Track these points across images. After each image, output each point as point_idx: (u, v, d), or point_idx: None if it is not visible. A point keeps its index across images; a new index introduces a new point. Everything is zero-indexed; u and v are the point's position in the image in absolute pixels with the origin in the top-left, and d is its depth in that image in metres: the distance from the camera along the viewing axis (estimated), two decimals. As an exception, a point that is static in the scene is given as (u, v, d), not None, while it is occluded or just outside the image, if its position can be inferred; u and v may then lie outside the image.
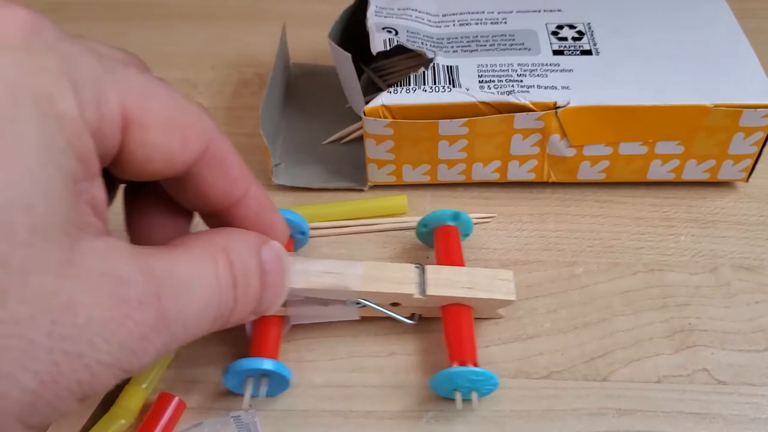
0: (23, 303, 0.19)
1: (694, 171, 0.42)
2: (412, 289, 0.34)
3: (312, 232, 0.40)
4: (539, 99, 0.39)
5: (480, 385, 0.32)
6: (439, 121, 0.39)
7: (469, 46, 0.42)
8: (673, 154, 0.41)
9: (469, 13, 0.45)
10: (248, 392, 0.32)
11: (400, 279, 0.34)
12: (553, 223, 0.41)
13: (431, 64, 0.40)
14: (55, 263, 0.20)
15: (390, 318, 0.35)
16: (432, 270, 0.34)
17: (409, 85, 0.39)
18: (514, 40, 0.42)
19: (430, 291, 0.34)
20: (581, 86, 0.39)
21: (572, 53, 0.41)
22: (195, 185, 0.27)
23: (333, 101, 0.48)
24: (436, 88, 0.39)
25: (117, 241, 0.22)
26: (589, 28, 0.43)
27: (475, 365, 0.32)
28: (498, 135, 0.40)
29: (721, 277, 0.38)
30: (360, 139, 0.41)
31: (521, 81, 0.39)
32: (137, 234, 0.29)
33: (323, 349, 0.36)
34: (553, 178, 0.42)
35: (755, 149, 0.40)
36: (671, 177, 0.42)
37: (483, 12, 0.45)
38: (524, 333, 0.36)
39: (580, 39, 0.42)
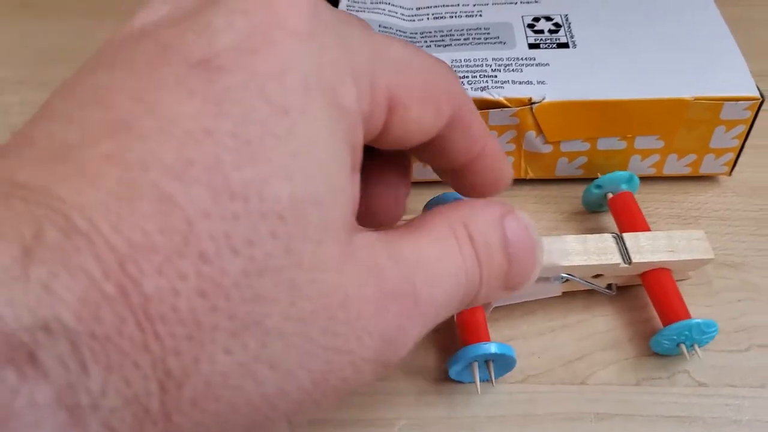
0: (309, 301, 0.19)
1: (675, 166, 0.41)
2: (617, 259, 0.34)
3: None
4: (514, 95, 0.38)
5: (701, 336, 0.33)
6: None
7: (443, 40, 0.41)
8: (654, 148, 0.40)
9: (444, 6, 0.44)
10: (477, 377, 0.33)
11: (604, 249, 0.34)
12: (535, 220, 0.40)
13: None
14: (337, 259, 0.20)
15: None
16: (630, 238, 0.35)
17: None
18: (489, 33, 0.42)
19: (635, 258, 0.34)
20: (557, 81, 0.39)
21: (548, 46, 0.41)
22: (438, 145, 0.26)
23: None
24: None
25: (369, 232, 0.22)
26: (567, 20, 0.42)
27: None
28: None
29: (703, 275, 0.38)
30: None
31: (495, 76, 0.39)
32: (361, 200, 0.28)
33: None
34: (530, 175, 0.41)
35: (737, 143, 0.40)
36: (652, 172, 0.41)
37: (458, 5, 0.44)
38: (499, 336, 0.36)
39: (557, 31, 0.42)
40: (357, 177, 0.22)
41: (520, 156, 0.40)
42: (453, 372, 0.33)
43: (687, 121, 0.39)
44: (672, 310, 0.34)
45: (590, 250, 0.34)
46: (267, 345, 0.18)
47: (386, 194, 0.29)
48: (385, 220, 0.28)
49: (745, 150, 0.40)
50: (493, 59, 0.40)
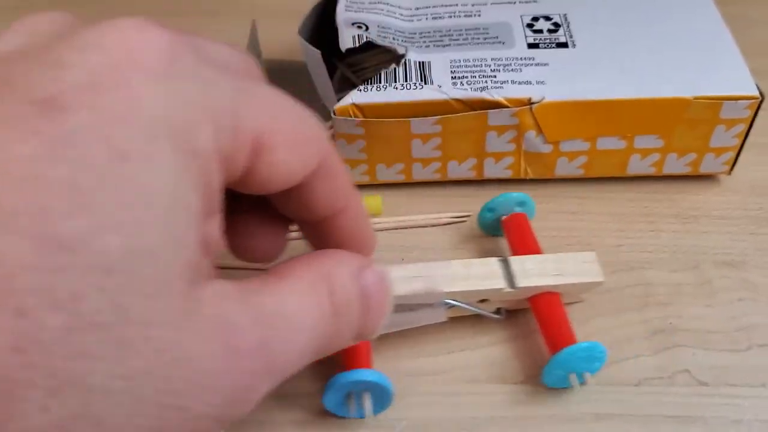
0: (141, 358, 0.18)
1: (675, 165, 0.41)
2: (502, 283, 0.33)
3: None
4: (513, 95, 0.38)
5: (590, 362, 0.32)
6: (411, 119, 0.38)
7: (441, 40, 0.41)
8: (653, 148, 0.40)
9: (442, 5, 0.44)
10: (353, 410, 0.32)
11: (487, 274, 0.33)
12: (535, 219, 0.40)
13: (403, 61, 0.40)
14: (175, 315, 0.19)
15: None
16: (516, 261, 0.34)
17: (380, 82, 0.38)
18: (488, 33, 0.42)
19: (521, 283, 0.33)
20: (557, 80, 0.39)
21: (548, 46, 0.41)
22: (301, 195, 0.26)
23: (306, 99, 0.47)
24: (408, 86, 0.38)
25: (224, 282, 0.21)
26: (566, 19, 0.42)
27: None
28: (472, 132, 0.39)
29: (703, 275, 0.38)
30: (333, 138, 0.40)
31: (495, 76, 0.39)
32: (235, 240, 0.28)
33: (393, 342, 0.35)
34: (530, 175, 0.41)
35: (737, 141, 0.40)
36: (652, 171, 0.41)
37: (457, 4, 0.44)
38: (500, 336, 0.36)
39: (556, 31, 0.42)
40: (215, 219, 0.22)
41: (520, 156, 0.40)
42: (327, 402, 0.32)
43: (687, 121, 0.39)
44: (557, 336, 0.33)
45: (474, 275, 0.33)
46: (90, 403, 0.18)
47: (263, 231, 0.28)
48: (262, 257, 0.28)
49: (744, 148, 0.40)
50: (492, 59, 0.40)
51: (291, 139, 0.23)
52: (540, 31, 0.42)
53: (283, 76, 0.49)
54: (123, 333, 0.18)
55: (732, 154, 0.41)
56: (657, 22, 0.42)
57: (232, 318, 0.21)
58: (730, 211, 0.41)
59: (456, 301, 0.33)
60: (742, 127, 0.39)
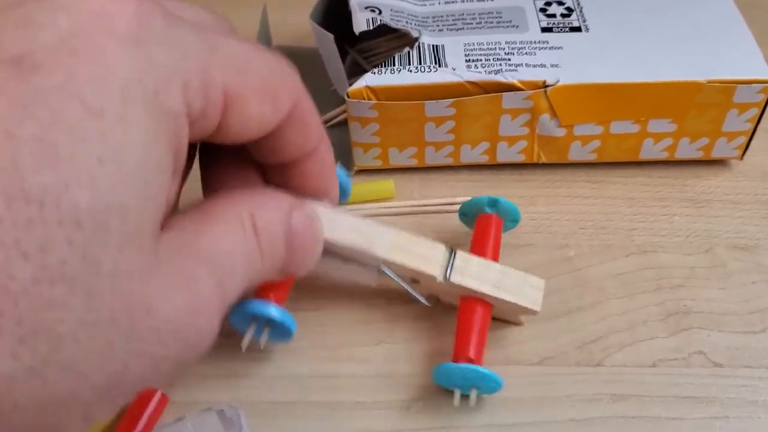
0: (109, 309, 0.19)
1: (687, 149, 0.41)
2: (436, 271, 0.32)
3: None
4: (528, 78, 0.38)
5: (481, 384, 0.31)
6: (425, 102, 0.38)
7: (455, 24, 0.41)
8: (666, 132, 0.40)
9: (455, -10, 0.44)
10: (249, 335, 0.32)
11: (427, 256, 0.33)
12: (544, 205, 0.41)
13: (416, 44, 0.40)
14: (141, 267, 0.20)
15: (377, 306, 0.34)
16: (462, 257, 0.33)
17: (394, 65, 0.38)
18: (501, 17, 0.42)
19: (454, 278, 0.33)
20: (571, 64, 0.39)
21: (561, 30, 0.41)
22: (272, 140, 0.27)
23: (318, 84, 0.46)
24: (422, 68, 0.38)
25: (169, 232, 0.23)
26: (578, 4, 0.42)
27: (480, 364, 0.31)
28: (486, 115, 0.39)
29: (716, 258, 0.38)
30: (345, 122, 0.40)
31: (509, 59, 0.39)
32: (210, 185, 0.29)
33: (309, 339, 0.35)
34: (543, 159, 0.41)
35: (749, 126, 0.40)
36: (664, 156, 0.41)
37: (469, -11, 0.44)
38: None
39: (569, 15, 0.42)
40: (178, 176, 0.23)
41: (533, 140, 0.40)
42: (232, 318, 0.32)
43: (700, 105, 0.39)
44: (460, 346, 0.32)
45: (415, 253, 0.32)
46: (59, 350, 0.18)
47: (236, 177, 0.29)
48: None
49: (757, 133, 0.40)
50: (506, 42, 0.40)
51: (262, 89, 0.24)
52: (553, 16, 0.42)
53: (293, 62, 0.49)
54: (91, 284, 0.19)
55: (744, 139, 0.41)
56: (670, 7, 0.42)
57: (192, 270, 0.22)
58: (742, 195, 0.41)
59: (390, 271, 0.33)
60: (755, 112, 0.39)
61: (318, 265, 0.30)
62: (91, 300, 0.19)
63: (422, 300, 0.34)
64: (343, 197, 0.37)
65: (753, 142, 0.41)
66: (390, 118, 0.39)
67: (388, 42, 0.45)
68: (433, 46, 0.40)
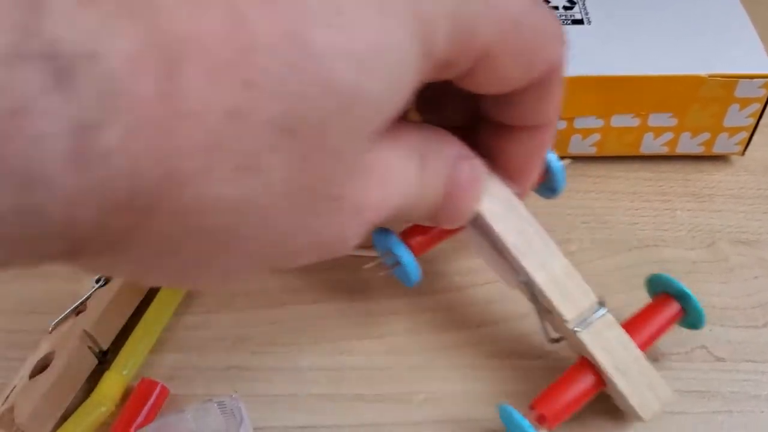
0: (334, 173, 0.20)
1: (688, 144, 0.41)
2: (571, 316, 0.29)
3: None
4: None
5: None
6: None
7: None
8: (667, 126, 0.40)
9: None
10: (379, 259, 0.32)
11: (573, 297, 0.30)
12: (545, 199, 0.40)
13: None
14: (365, 153, 0.21)
15: (378, 298, 0.34)
16: (607, 320, 0.30)
17: None
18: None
19: (583, 336, 0.29)
20: (572, 56, 0.38)
21: (563, 22, 0.41)
22: (508, 98, 0.25)
23: None
24: None
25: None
26: (582, -4, 0.42)
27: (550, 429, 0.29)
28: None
29: (719, 253, 0.38)
30: None
31: None
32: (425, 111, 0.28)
33: (309, 332, 0.35)
34: None
35: (751, 121, 0.40)
36: (665, 151, 0.41)
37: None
38: (518, 312, 0.35)
39: (571, 8, 0.42)
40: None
41: None
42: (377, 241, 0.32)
43: (701, 99, 0.39)
44: (548, 401, 0.30)
45: (563, 286, 0.30)
46: (275, 189, 0.19)
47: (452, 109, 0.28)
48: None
49: (759, 129, 0.40)
50: None
51: (521, 51, 0.23)
52: (555, 8, 0.42)
53: None
54: (324, 143, 0.19)
55: (746, 135, 0.40)
56: (673, 1, 0.42)
57: (386, 174, 0.23)
58: (745, 190, 0.41)
59: (531, 289, 0.30)
60: (757, 107, 0.39)
61: (472, 236, 0.30)
62: (319, 158, 0.19)
63: (549, 333, 0.31)
64: (552, 192, 0.35)
65: (755, 137, 0.41)
66: None
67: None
68: None
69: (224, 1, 0.17)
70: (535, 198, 0.40)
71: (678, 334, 0.34)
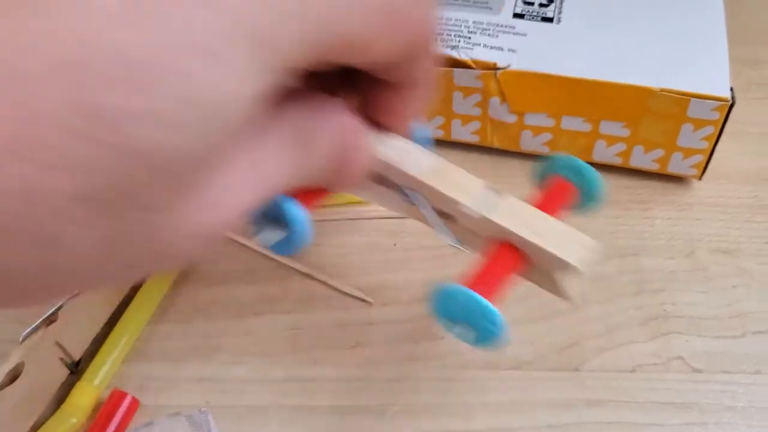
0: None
1: (641, 158, 0.40)
2: (470, 201, 0.27)
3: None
4: (481, 57, 0.38)
5: (479, 323, 0.26)
6: None
7: (430, -1, 0.41)
8: (619, 136, 0.40)
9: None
10: (262, 233, 0.29)
11: (465, 186, 0.27)
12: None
13: None
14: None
15: (351, 307, 0.34)
16: (505, 197, 0.27)
17: None
18: (480, -3, 0.42)
19: (491, 215, 0.27)
20: (529, 52, 0.39)
21: (533, 18, 0.41)
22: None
23: None
24: None
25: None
26: (561, -3, 0.42)
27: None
28: (439, 89, 0.39)
29: (698, 262, 0.38)
30: None
31: (469, 38, 0.39)
32: None
33: (283, 343, 0.35)
34: (496, 144, 0.42)
35: (706, 144, 0.39)
36: (618, 162, 0.41)
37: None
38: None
39: (546, 6, 0.42)
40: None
41: (486, 122, 0.41)
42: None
43: (653, 113, 0.38)
44: (479, 278, 0.26)
45: (451, 180, 0.28)
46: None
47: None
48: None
49: (738, 137, 0.40)
50: (472, 22, 0.40)
51: (385, 26, 0.23)
52: (531, 4, 0.42)
53: None
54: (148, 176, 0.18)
55: (702, 158, 0.39)
56: (654, 9, 0.41)
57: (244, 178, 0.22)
58: (724, 199, 0.41)
59: (420, 198, 0.28)
60: (711, 130, 0.38)
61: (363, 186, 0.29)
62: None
63: (452, 241, 0.29)
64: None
65: (734, 146, 0.41)
66: None
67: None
68: None
69: (4, 74, 0.16)
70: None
71: (656, 345, 0.34)
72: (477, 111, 0.40)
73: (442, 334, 0.35)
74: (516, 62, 0.38)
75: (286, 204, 0.28)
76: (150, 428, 0.29)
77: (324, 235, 0.39)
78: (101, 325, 0.34)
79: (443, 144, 0.43)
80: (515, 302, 0.35)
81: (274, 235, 0.29)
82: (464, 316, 0.26)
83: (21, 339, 0.33)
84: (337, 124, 0.26)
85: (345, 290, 0.36)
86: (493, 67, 0.38)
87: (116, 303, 0.35)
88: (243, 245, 0.38)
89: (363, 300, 0.36)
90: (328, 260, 0.38)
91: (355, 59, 0.23)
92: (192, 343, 0.35)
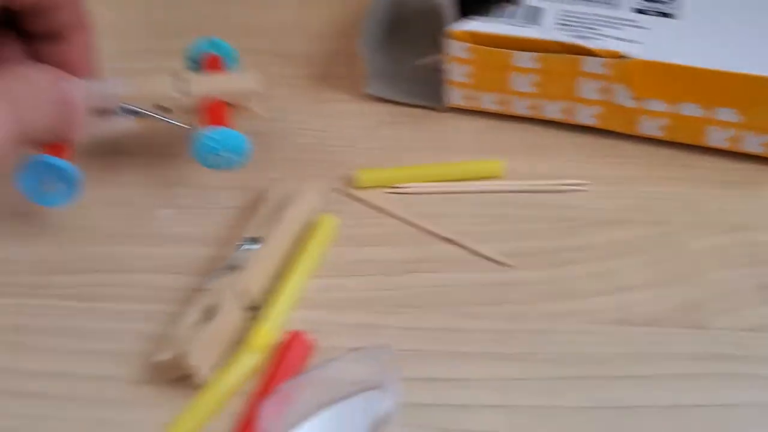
0: None
1: (752, 143, 0.44)
2: (171, 89, 0.41)
3: (409, 190, 0.44)
4: (608, 47, 0.42)
5: (228, 144, 0.40)
6: (514, 51, 0.43)
7: (557, -8, 0.46)
8: (731, 122, 0.43)
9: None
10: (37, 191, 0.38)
11: (161, 81, 0.41)
12: (643, 185, 0.44)
13: (520, 3, 0.45)
14: None
15: (487, 269, 0.39)
16: (195, 76, 0.42)
17: (495, 17, 0.44)
18: (600, -6, 0.46)
19: (194, 89, 0.41)
20: (651, 43, 0.43)
21: (653, 14, 0.45)
22: (44, 9, 0.37)
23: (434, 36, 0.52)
24: (518, 23, 0.44)
25: None
26: (680, -5, 0.46)
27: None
28: (566, 75, 0.44)
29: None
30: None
31: (597, 29, 0.43)
32: None
33: (434, 297, 0.39)
34: (614, 127, 0.45)
35: None
36: (727, 146, 0.44)
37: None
38: (623, 285, 0.39)
39: (665, 3, 0.46)
40: None
41: (607, 107, 0.45)
42: (24, 183, 0.38)
43: (766, 101, 0.42)
44: (210, 119, 0.40)
45: (149, 82, 0.41)
46: None
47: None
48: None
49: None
50: (598, 15, 0.45)
51: None
52: (650, 0, 0.46)
53: (420, 15, 0.52)
54: None
55: None
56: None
57: None
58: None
59: (139, 108, 0.40)
60: None
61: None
62: None
63: (180, 124, 0.42)
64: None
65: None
66: (482, 61, 0.44)
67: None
68: (534, 7, 0.45)
69: None
70: (634, 183, 0.43)
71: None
72: (600, 96, 0.44)
73: (578, 294, 0.39)
74: (640, 52, 0.42)
75: (51, 161, 0.37)
76: (336, 362, 0.33)
77: (461, 205, 0.43)
78: (273, 276, 0.38)
79: (561, 126, 0.47)
80: (639, 269, 0.39)
81: (57, 192, 0.38)
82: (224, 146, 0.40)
83: (208, 284, 0.37)
84: (51, 79, 0.35)
85: (485, 254, 0.40)
86: (619, 56, 0.42)
87: (286, 258, 0.39)
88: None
89: (503, 264, 0.40)
90: (466, 228, 0.42)
91: None
92: (350, 295, 0.39)
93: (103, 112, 0.39)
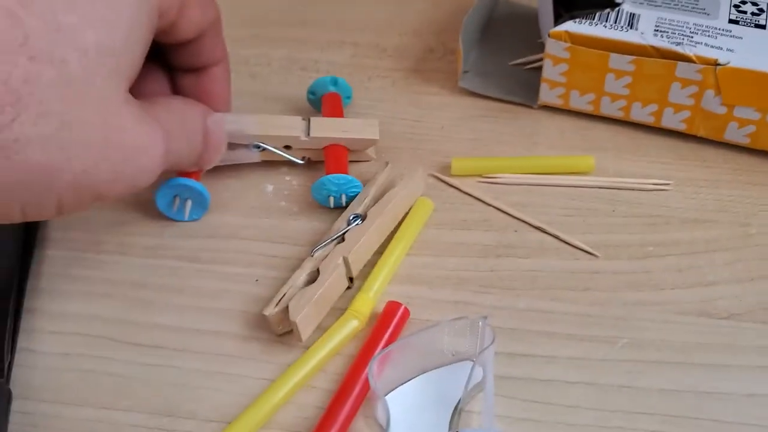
0: (95, 113, 0.31)
1: None
2: (299, 132, 0.44)
3: (501, 180, 0.46)
4: (703, 54, 0.44)
5: (346, 188, 0.43)
6: (611, 54, 0.45)
7: (655, 1, 0.48)
8: None
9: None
10: (177, 207, 0.43)
11: (289, 125, 0.44)
12: (726, 188, 0.46)
13: (617, 8, 0.46)
14: (120, 96, 0.32)
15: (582, 258, 0.40)
16: (315, 120, 0.45)
17: (593, 19, 0.46)
18: (697, 4, 0.48)
19: (314, 133, 0.44)
20: (745, 52, 0.44)
21: (747, 25, 0.46)
22: (194, 45, 0.39)
23: (528, 36, 0.55)
24: (616, 27, 0.45)
25: (130, 97, 0.33)
26: (772, 6, 0.48)
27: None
28: (659, 79, 0.45)
29: None
30: (539, 69, 0.48)
31: (692, 37, 0.45)
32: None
33: (524, 281, 0.41)
34: (701, 133, 0.47)
35: None
36: None
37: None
38: (705, 280, 0.41)
39: (759, 15, 0.47)
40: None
41: (696, 112, 0.46)
42: (158, 202, 0.43)
43: None
44: (333, 166, 0.43)
45: (279, 125, 0.44)
46: (61, 129, 0.29)
47: (153, 76, 0.41)
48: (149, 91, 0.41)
49: None
50: (694, 24, 0.46)
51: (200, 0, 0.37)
52: (744, 12, 0.47)
53: (515, 16, 0.57)
54: (84, 92, 0.30)
55: None
56: None
57: (150, 122, 0.34)
58: None
59: (265, 144, 0.44)
60: None
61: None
62: (84, 104, 0.30)
63: (297, 160, 0.45)
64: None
65: None
66: (578, 61, 0.46)
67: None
68: (630, 13, 0.46)
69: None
70: (718, 187, 0.45)
71: None
72: (690, 101, 0.46)
73: (661, 286, 0.40)
74: (734, 60, 0.43)
75: (185, 182, 0.42)
76: (435, 330, 0.35)
77: (550, 197, 0.45)
78: (373, 252, 0.41)
79: (648, 129, 0.48)
80: (723, 265, 0.41)
81: (190, 207, 0.43)
82: (338, 190, 0.43)
83: (312, 252, 0.40)
84: (200, 110, 0.39)
85: (574, 243, 0.42)
86: (714, 63, 0.43)
87: (387, 234, 0.42)
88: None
89: (590, 253, 0.42)
90: (555, 219, 0.44)
91: (183, 22, 0.36)
92: (444, 273, 0.41)
93: (236, 145, 0.43)
